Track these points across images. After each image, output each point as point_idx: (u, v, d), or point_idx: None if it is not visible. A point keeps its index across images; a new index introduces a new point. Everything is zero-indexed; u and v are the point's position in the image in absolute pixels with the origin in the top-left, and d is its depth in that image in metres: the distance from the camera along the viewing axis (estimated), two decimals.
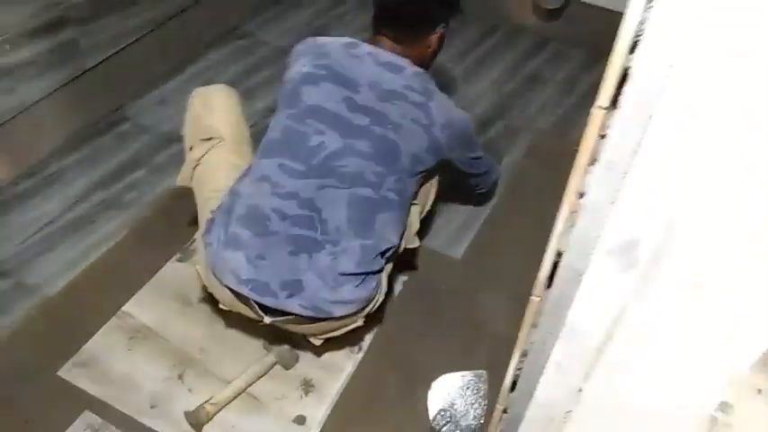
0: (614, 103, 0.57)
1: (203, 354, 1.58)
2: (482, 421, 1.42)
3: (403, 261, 1.66)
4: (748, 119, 0.51)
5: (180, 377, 1.53)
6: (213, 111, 1.58)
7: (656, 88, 0.53)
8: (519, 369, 0.90)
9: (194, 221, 1.59)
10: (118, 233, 1.85)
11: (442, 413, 1.43)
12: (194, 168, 1.56)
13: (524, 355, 0.88)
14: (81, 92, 2.09)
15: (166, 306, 1.67)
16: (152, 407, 1.48)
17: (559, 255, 0.71)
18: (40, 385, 1.49)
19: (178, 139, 1.74)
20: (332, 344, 1.54)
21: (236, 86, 1.69)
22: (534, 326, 0.82)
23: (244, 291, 1.35)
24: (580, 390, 0.75)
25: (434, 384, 1.46)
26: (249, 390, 1.51)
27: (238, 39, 2.62)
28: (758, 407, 0.69)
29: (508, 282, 1.74)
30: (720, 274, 0.59)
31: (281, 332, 1.48)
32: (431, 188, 1.63)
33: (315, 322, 1.38)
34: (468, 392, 1.45)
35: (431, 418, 1.43)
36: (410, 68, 1.45)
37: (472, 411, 1.43)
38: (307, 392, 1.53)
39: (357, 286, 1.36)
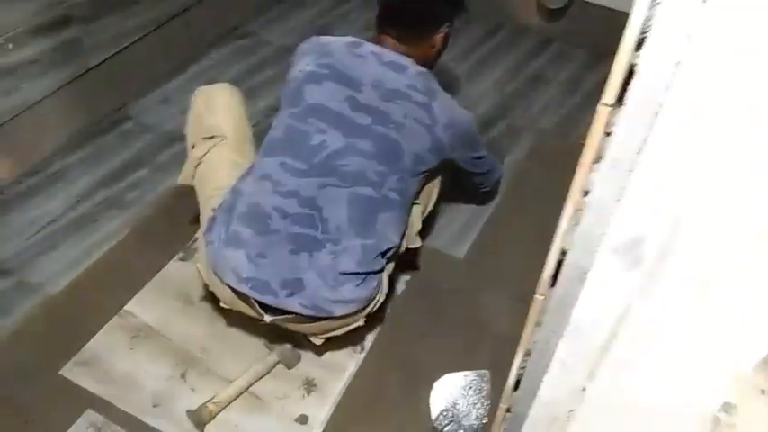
0: (620, 100, 0.57)
1: (205, 353, 1.58)
2: (485, 421, 1.42)
3: (405, 261, 1.66)
4: (755, 116, 0.50)
5: (182, 376, 1.53)
6: (216, 109, 1.58)
7: (662, 85, 0.52)
8: (522, 368, 0.89)
9: (196, 220, 1.59)
10: (120, 232, 1.85)
11: (445, 413, 1.42)
12: (196, 167, 1.56)
13: (528, 353, 0.87)
14: (84, 91, 2.09)
15: (168, 305, 1.66)
16: (154, 406, 1.48)
17: (564, 253, 0.71)
18: (42, 384, 1.49)
19: (181, 138, 1.74)
20: (334, 343, 1.54)
21: (238, 86, 1.69)
22: (538, 324, 0.82)
23: (244, 289, 1.35)
24: (584, 388, 0.75)
25: (437, 384, 1.46)
26: (251, 389, 1.51)
27: (241, 38, 2.62)
28: (761, 407, 0.68)
29: (511, 281, 1.74)
30: (726, 272, 0.59)
31: (282, 331, 1.48)
32: (433, 188, 1.62)
33: (315, 321, 1.38)
34: (471, 392, 1.45)
35: (433, 417, 1.42)
36: (413, 68, 1.45)
37: (475, 411, 1.43)
38: (309, 392, 1.53)
39: (358, 286, 1.36)
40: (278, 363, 1.55)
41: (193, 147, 1.59)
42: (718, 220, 0.56)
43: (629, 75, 0.55)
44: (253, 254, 1.35)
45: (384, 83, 1.41)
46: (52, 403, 1.46)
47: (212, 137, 1.55)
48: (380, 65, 1.43)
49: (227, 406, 1.47)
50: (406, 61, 1.45)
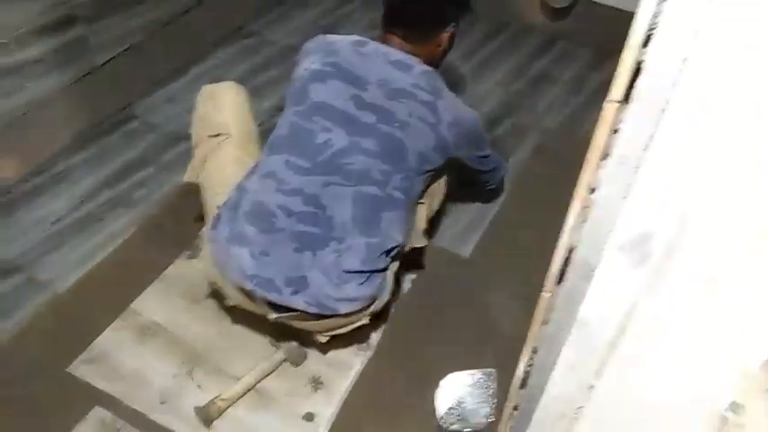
0: (626, 97, 0.57)
1: (212, 350, 1.58)
2: (491, 419, 1.42)
3: (411, 260, 1.66)
4: (762, 113, 0.50)
5: (189, 373, 1.54)
6: (221, 107, 1.59)
7: (669, 82, 0.52)
8: (530, 365, 0.89)
9: (201, 218, 1.59)
10: (126, 231, 1.85)
11: (451, 411, 1.42)
12: (202, 164, 1.56)
13: (535, 351, 0.87)
14: (89, 90, 2.09)
15: (174, 303, 1.67)
16: (162, 402, 1.48)
17: (571, 250, 0.71)
18: (50, 381, 1.50)
19: (186, 137, 1.74)
20: (340, 341, 1.54)
21: (243, 85, 1.69)
22: (545, 322, 0.82)
23: (248, 286, 1.35)
24: (591, 386, 0.75)
25: (443, 382, 1.45)
26: (258, 386, 1.52)
27: (246, 38, 2.62)
28: None
29: (516, 280, 1.74)
30: (733, 268, 0.59)
31: (288, 329, 1.48)
32: (439, 187, 1.63)
33: (320, 319, 1.38)
34: (477, 391, 1.44)
35: (439, 416, 1.42)
36: (419, 67, 1.45)
37: (481, 410, 1.43)
38: (315, 389, 1.53)
39: (362, 284, 1.36)
40: (284, 360, 1.55)
41: (199, 144, 1.59)
42: (726, 217, 0.56)
43: (636, 71, 0.55)
44: (257, 252, 1.35)
45: (389, 81, 1.41)
46: (60, 400, 1.47)
47: (218, 134, 1.56)
48: (386, 63, 1.43)
49: (234, 403, 1.48)
50: (412, 60, 1.45)
